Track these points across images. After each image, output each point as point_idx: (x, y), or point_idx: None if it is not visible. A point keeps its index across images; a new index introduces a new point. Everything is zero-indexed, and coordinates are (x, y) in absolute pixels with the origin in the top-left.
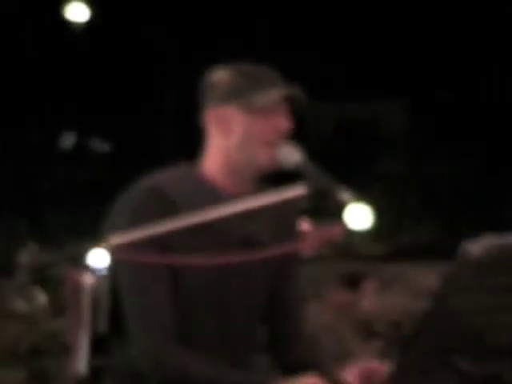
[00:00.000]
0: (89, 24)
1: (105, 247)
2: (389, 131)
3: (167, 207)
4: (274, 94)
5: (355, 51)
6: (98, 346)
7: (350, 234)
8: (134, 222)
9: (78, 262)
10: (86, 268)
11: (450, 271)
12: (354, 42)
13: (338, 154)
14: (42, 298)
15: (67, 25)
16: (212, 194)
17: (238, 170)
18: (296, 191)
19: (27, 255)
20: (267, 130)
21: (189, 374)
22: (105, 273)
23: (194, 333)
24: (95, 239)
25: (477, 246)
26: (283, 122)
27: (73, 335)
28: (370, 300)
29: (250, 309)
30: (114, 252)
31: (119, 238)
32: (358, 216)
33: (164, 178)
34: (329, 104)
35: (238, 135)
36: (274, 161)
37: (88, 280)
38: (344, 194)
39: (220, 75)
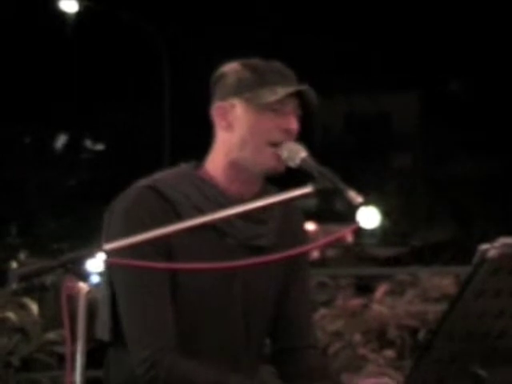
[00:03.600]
0: (81, 23)
1: (101, 252)
2: (401, 126)
3: (164, 205)
4: (281, 91)
5: (366, 44)
6: (95, 356)
7: (360, 235)
8: (130, 219)
9: (73, 270)
10: (81, 275)
11: (466, 274)
12: (365, 35)
13: (349, 150)
14: (33, 307)
15: (59, 17)
16: (214, 194)
17: (240, 169)
18: (302, 191)
19: (18, 263)
20: (272, 129)
21: (189, 380)
22: (101, 279)
23: (196, 339)
24: (90, 245)
25: (493, 248)
26: (290, 122)
27: (68, 345)
28: (382, 305)
29: (254, 315)
30: (112, 257)
31: (118, 242)
32: (366, 216)
33: (162, 177)
34: (339, 98)
35: (241, 131)
36: (279, 162)
37: (83, 288)
38: (352, 194)
39: (228, 69)
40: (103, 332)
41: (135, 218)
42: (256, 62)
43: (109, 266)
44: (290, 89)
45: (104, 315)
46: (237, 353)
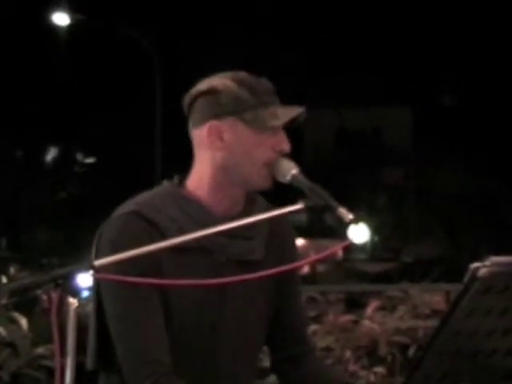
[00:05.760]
0: (72, 36)
1: (90, 271)
2: (392, 140)
3: (150, 230)
4: (283, 113)
5: (358, 58)
6: (85, 371)
7: (350, 250)
8: (116, 249)
9: (63, 285)
10: (72, 291)
11: (456, 292)
12: (357, 49)
13: (340, 164)
14: (23, 322)
15: (51, 30)
16: (200, 215)
17: (228, 189)
18: (293, 208)
19: (8, 277)
20: (268, 149)
21: None
22: (89, 296)
23: (189, 357)
24: (81, 259)
25: (484, 266)
26: (284, 143)
27: (58, 360)
28: (373, 321)
29: (247, 332)
30: (100, 276)
31: (105, 261)
32: (357, 231)
33: (145, 200)
34: (330, 112)
35: (238, 152)
36: (271, 182)
37: (72, 303)
38: (343, 211)
39: (221, 84)
40: (88, 360)
41: (122, 248)
42: (246, 78)
43: (98, 290)
44: (292, 113)
45: (90, 343)
46: (232, 368)
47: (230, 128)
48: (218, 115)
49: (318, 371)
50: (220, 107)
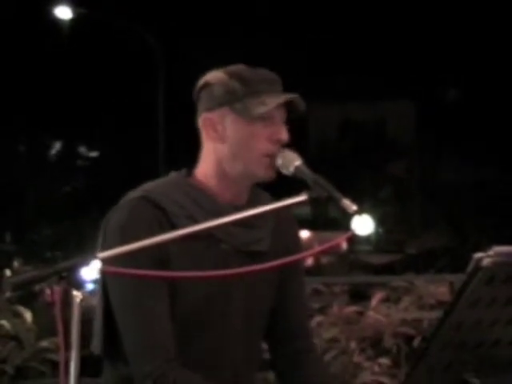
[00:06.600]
0: (75, 30)
1: (96, 261)
2: (396, 133)
3: (159, 215)
4: (270, 101)
5: (362, 51)
6: (89, 364)
7: (355, 242)
8: (125, 235)
9: (68, 278)
10: (76, 284)
11: (460, 282)
12: (361, 43)
13: (344, 157)
14: (27, 315)
15: (54, 24)
16: (207, 202)
17: (232, 178)
18: (296, 199)
19: (12, 271)
20: (264, 140)
21: None
22: (96, 288)
23: (194, 348)
24: (85, 252)
25: (487, 256)
26: (281, 132)
27: (62, 353)
28: (378, 313)
29: (252, 322)
30: (106, 266)
31: (112, 252)
32: (361, 223)
33: (153, 187)
34: (334, 105)
35: (232, 143)
36: (273, 172)
37: (77, 296)
38: (346, 202)
39: (213, 78)
40: (95, 344)
41: (131, 233)
42: (241, 69)
43: (104, 278)
44: (280, 99)
45: (96, 328)
46: (236, 359)
47: (222, 119)
48: (210, 107)
49: (316, 372)
50: (212, 100)
